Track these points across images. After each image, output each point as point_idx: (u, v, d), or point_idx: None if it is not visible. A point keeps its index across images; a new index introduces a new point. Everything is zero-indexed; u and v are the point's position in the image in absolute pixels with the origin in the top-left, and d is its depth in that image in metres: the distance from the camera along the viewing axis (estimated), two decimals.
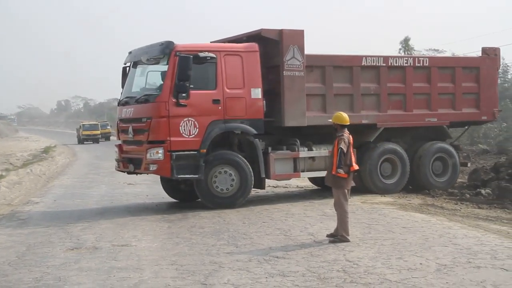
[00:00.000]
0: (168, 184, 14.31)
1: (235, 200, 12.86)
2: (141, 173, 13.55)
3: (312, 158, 13.76)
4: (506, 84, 46.33)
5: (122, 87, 13.93)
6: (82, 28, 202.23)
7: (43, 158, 31.50)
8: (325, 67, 13.89)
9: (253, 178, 12.94)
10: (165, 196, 15.31)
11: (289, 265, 7.82)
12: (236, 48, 13.09)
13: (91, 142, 57.74)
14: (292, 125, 13.43)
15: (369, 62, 14.37)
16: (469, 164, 16.84)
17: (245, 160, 12.88)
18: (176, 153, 12.23)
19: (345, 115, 9.53)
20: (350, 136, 9.45)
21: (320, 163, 13.76)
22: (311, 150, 13.74)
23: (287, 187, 16.88)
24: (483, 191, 14.12)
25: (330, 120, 9.69)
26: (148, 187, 17.52)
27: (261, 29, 13.28)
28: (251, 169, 12.90)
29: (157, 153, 12.20)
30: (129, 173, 13.63)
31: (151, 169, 12.37)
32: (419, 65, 14.97)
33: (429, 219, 11.01)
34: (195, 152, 12.36)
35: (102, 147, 47.66)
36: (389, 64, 14.61)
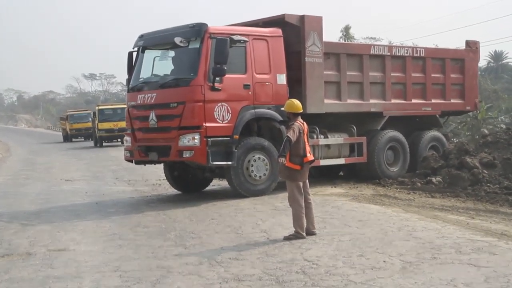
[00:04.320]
0: (173, 176, 13.88)
1: (268, 187, 12.72)
2: (164, 162, 13.19)
3: (328, 146, 13.81)
4: None
5: (129, 72, 13.35)
6: (15, 12, 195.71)
7: None
8: (340, 54, 14.08)
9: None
10: (106, 193, 14.55)
11: (243, 267, 7.22)
12: (263, 33, 12.87)
13: (83, 139, 44.71)
14: (313, 112, 13.26)
15: (376, 51, 14.73)
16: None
17: (274, 147, 12.57)
18: (211, 139, 11.83)
19: (297, 102, 8.96)
20: (304, 125, 8.85)
21: (334, 151, 14.06)
22: (327, 137, 13.74)
23: None
24: (434, 179, 13.87)
25: (283, 109, 9.20)
26: (88, 184, 16.63)
27: (284, 14, 13.27)
28: None
29: (194, 139, 11.75)
30: (147, 163, 13.23)
31: (185, 156, 11.90)
32: (416, 55, 15.45)
33: (385, 211, 10.63)
34: (228, 138, 12.05)
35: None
36: (393, 53, 15.04)
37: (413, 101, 15.39)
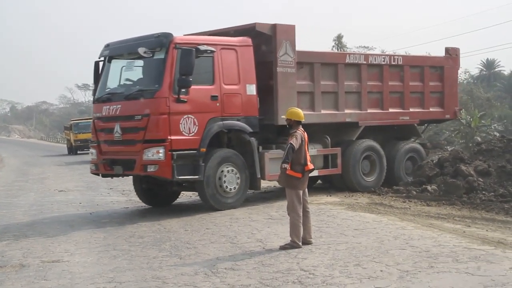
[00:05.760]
0: (142, 189, 13.42)
1: (239, 200, 12.40)
2: (130, 175, 12.75)
3: None
4: None
5: (95, 82, 12.97)
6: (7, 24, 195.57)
7: None
8: (314, 64, 13.70)
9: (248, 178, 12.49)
10: (100, 203, 14.45)
11: (239, 277, 7.15)
12: (232, 42, 12.50)
13: (88, 151, 41.75)
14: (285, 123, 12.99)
15: (352, 60, 14.38)
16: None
17: (243, 159, 12.38)
18: (177, 152, 11.44)
19: (299, 111, 8.97)
20: (305, 134, 8.87)
21: None
22: None
23: None
24: (429, 187, 13.85)
25: (283, 117, 9.14)
26: (81, 194, 16.52)
27: (255, 23, 12.84)
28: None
29: (158, 153, 11.35)
30: (114, 176, 12.82)
31: (149, 170, 11.49)
32: (394, 63, 15.14)
33: (381, 219, 10.58)
34: (195, 152, 11.66)
35: None
36: (369, 62, 14.70)
37: (390, 110, 15.04)
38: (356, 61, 14.44)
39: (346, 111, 14.19)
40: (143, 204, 13.79)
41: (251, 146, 12.49)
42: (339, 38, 50.20)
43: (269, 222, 10.74)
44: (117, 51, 12.68)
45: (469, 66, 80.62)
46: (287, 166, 8.55)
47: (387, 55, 16.36)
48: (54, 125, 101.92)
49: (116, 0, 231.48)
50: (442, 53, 16.51)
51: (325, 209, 11.88)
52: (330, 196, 13.86)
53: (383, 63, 14.89)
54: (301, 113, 8.90)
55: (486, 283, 6.46)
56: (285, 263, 7.70)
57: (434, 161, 15.65)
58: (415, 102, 15.53)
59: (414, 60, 16.12)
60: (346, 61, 14.27)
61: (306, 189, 8.88)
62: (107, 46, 12.88)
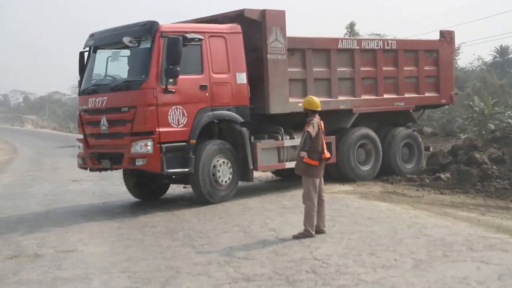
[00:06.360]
0: (132, 181, 13.05)
1: (231, 192, 12.09)
2: (118, 169, 12.38)
3: (294, 147, 12.94)
4: None
5: (80, 73, 12.55)
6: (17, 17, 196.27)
7: None
8: (305, 50, 13.28)
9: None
10: (113, 193, 14.51)
11: (253, 267, 7.15)
12: (220, 29, 12.10)
13: None
14: (277, 112, 12.70)
15: (344, 45, 13.99)
16: (431, 149, 16.65)
17: (235, 150, 12.15)
18: (166, 145, 11.12)
19: (316, 99, 8.95)
20: (321, 122, 8.86)
21: None
22: (293, 138, 13.00)
23: None
24: (442, 176, 13.80)
25: (300, 105, 9.10)
26: (95, 184, 16.57)
27: (244, 9, 12.40)
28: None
29: (146, 146, 11.01)
30: (101, 170, 12.53)
31: (138, 164, 11.16)
32: (387, 48, 14.74)
33: (394, 208, 10.55)
34: (184, 144, 11.33)
35: None
36: (362, 47, 14.29)
37: (385, 96, 14.64)
38: (349, 47, 14.06)
39: (340, 98, 13.81)
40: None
41: (243, 137, 12.16)
42: (351, 25, 49.87)
43: (282, 212, 10.73)
44: (102, 41, 12.29)
45: (482, 52, 79.82)
46: (305, 154, 8.54)
47: (380, 39, 15.96)
48: (66, 115, 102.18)
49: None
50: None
51: (338, 198, 11.85)
52: (343, 184, 13.80)
53: (377, 47, 14.49)
54: (318, 102, 8.89)
55: (502, 272, 6.42)
56: (299, 253, 7.69)
57: (448, 149, 15.56)
58: (410, 87, 15.15)
59: (408, 44, 15.76)
60: (339, 46, 13.86)
61: (322, 178, 8.87)
62: (92, 36, 12.48)
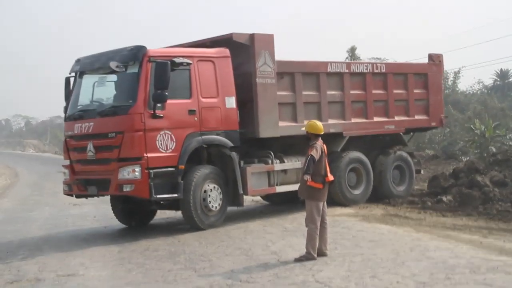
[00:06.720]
0: (119, 208, 12.91)
1: (221, 218, 11.85)
2: (105, 196, 12.11)
3: (284, 171, 12.93)
4: (447, 91, 46.98)
5: (66, 99, 12.40)
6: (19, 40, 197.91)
7: None
8: (294, 74, 13.21)
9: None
10: (114, 217, 14.42)
11: None
12: (209, 54, 12.01)
13: None
14: (266, 136, 12.59)
15: (334, 69, 13.92)
16: (422, 171, 16.56)
17: (225, 175, 11.99)
18: (154, 170, 10.92)
19: (319, 123, 9.03)
20: (324, 146, 8.94)
21: (291, 176, 12.96)
22: (283, 162, 12.90)
23: None
24: (444, 198, 13.76)
25: (303, 129, 9.13)
26: (96, 208, 16.53)
27: (232, 33, 12.38)
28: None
29: (134, 172, 10.80)
30: (88, 197, 12.34)
31: (125, 190, 10.91)
32: (377, 71, 14.70)
33: (396, 231, 10.53)
34: (173, 169, 11.14)
35: None
36: (351, 70, 14.26)
37: (375, 119, 14.57)
38: (338, 70, 13.98)
39: (330, 121, 13.64)
40: (157, 217, 13.71)
41: (232, 161, 11.97)
42: (352, 50, 50.02)
43: (283, 234, 10.71)
44: (88, 66, 12.13)
45: (483, 76, 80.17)
46: (308, 177, 8.56)
47: (369, 63, 15.91)
48: None
49: (131, 15, 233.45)
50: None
51: (340, 221, 11.83)
52: (345, 207, 13.77)
53: (366, 71, 14.46)
54: (320, 126, 8.95)
55: None
56: (301, 275, 7.67)
57: (449, 172, 15.55)
58: (400, 111, 15.08)
59: (398, 68, 15.72)
60: (328, 70, 13.80)
61: (325, 202, 8.88)
62: (78, 61, 12.36)
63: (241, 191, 12.04)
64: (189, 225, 11.67)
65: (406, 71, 15.39)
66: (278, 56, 12.87)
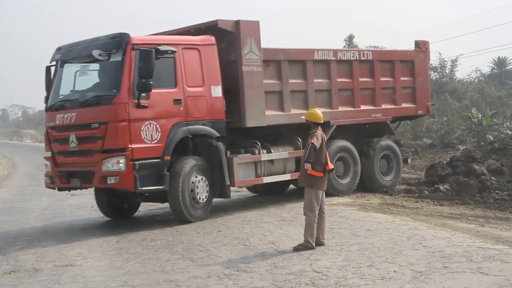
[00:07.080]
0: (104, 200, 12.61)
1: (207, 209, 11.67)
2: (88, 188, 11.91)
3: (271, 161, 12.75)
4: (444, 79, 46.92)
5: (47, 89, 12.02)
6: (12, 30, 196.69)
7: None
8: (281, 61, 12.98)
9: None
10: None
11: (252, 279, 7.15)
12: (194, 41, 11.70)
13: None
14: (253, 126, 12.37)
15: (320, 56, 13.71)
16: (409, 160, 16.52)
17: (211, 166, 11.79)
18: (139, 162, 10.65)
19: (319, 112, 9.02)
20: (324, 134, 8.97)
21: (279, 167, 12.85)
22: (270, 152, 12.74)
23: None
24: (441, 187, 13.80)
25: (303, 117, 9.11)
26: (93, 198, 16.49)
27: (217, 20, 12.01)
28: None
29: (118, 163, 10.50)
30: (71, 189, 12.14)
31: (109, 182, 10.61)
32: (363, 58, 14.56)
33: (393, 220, 10.54)
34: (158, 160, 10.90)
35: None
36: (338, 58, 14.07)
37: (362, 107, 14.42)
38: (325, 58, 13.75)
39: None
40: (156, 207, 13.76)
41: (219, 152, 11.75)
42: (350, 38, 49.94)
43: (281, 224, 10.73)
44: (69, 54, 11.74)
45: (480, 64, 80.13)
46: (309, 165, 8.59)
47: (356, 50, 15.71)
48: None
49: (131, 7, 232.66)
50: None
51: (337, 210, 11.85)
52: (342, 196, 13.78)
53: (353, 58, 14.30)
54: (320, 115, 8.95)
55: (501, 283, 6.41)
56: (298, 265, 7.68)
57: (446, 161, 15.57)
58: (387, 99, 14.97)
59: (384, 55, 15.63)
60: (315, 57, 13.57)
61: (324, 191, 8.90)
62: (59, 49, 11.95)
63: (228, 182, 11.80)
64: (177, 217, 11.49)
65: (393, 59, 15.27)
66: (272, 44, 12.76)
